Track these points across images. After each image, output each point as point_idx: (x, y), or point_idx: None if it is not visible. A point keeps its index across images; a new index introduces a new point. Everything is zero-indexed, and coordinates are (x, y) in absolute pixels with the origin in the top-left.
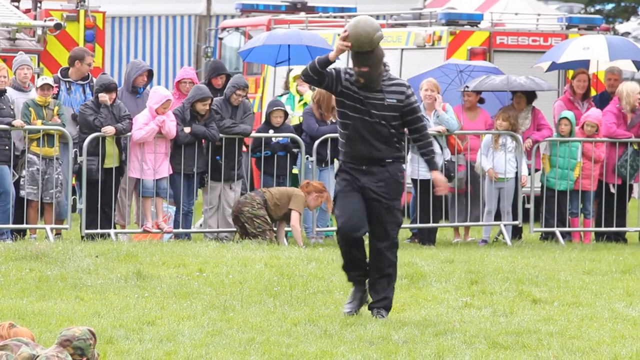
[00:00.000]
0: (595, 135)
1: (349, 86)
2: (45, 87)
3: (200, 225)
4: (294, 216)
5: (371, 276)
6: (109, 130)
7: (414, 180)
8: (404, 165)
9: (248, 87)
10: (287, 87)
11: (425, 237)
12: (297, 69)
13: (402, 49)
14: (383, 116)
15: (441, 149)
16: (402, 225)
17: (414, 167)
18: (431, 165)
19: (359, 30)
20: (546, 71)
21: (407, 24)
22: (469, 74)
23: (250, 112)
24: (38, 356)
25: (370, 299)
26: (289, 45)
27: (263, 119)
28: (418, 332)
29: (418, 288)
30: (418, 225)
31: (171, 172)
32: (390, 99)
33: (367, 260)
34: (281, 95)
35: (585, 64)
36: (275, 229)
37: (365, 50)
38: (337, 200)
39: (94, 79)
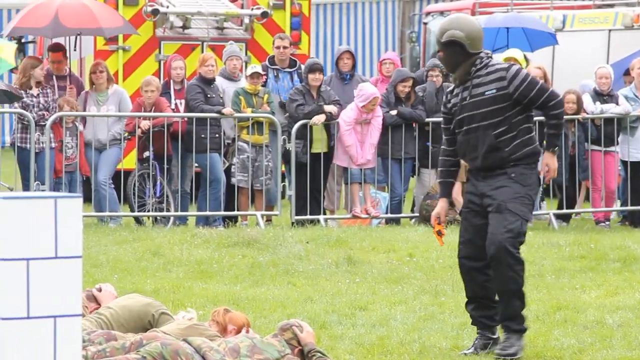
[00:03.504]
0: None
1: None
2: (254, 76)
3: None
4: (455, 187)
5: None
6: (318, 119)
7: (624, 162)
8: (535, 172)
9: (442, 67)
10: None
11: (637, 220)
12: (509, 51)
13: (610, 30)
14: (481, 114)
15: None
16: (613, 208)
17: (623, 149)
18: (550, 141)
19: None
20: None
21: (615, 4)
22: None
23: None
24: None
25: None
26: (507, 29)
27: None
28: (633, 316)
29: (631, 271)
30: (629, 207)
31: (372, 159)
32: (488, 91)
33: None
34: None
35: None
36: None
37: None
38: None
39: (302, 66)
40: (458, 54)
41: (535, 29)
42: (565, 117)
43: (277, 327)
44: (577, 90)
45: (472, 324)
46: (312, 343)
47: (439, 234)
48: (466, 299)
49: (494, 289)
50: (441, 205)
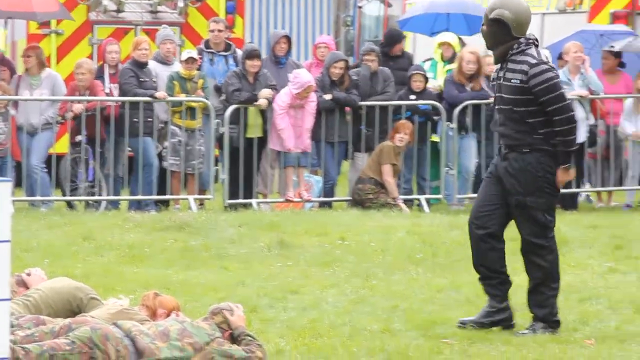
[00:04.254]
0: None
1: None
2: (189, 61)
3: None
4: (385, 169)
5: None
6: (263, 100)
7: None
8: (555, 159)
9: (376, 51)
10: None
11: (568, 202)
12: (443, 36)
13: (544, 14)
14: (508, 99)
15: (586, 114)
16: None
17: None
18: (560, 158)
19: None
20: None
21: None
22: (610, 37)
23: (391, 80)
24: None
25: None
26: (448, 14)
27: None
28: (562, 298)
29: (562, 254)
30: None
31: (307, 143)
32: (514, 79)
33: (502, 269)
34: (424, 62)
35: None
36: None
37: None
38: None
39: (237, 50)
40: (501, 33)
41: (479, 16)
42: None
43: (208, 310)
44: None
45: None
46: (243, 327)
47: None
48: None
49: (496, 260)
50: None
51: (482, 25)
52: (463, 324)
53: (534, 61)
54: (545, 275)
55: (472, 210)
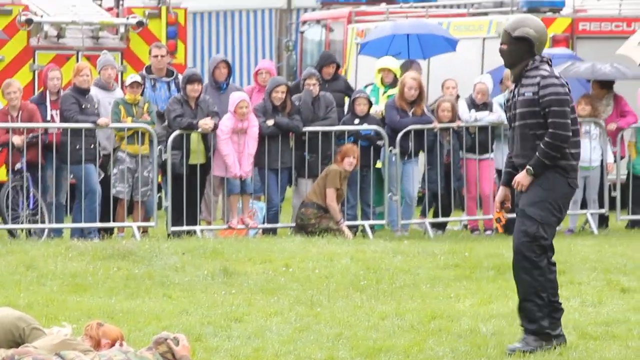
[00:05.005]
0: None
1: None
2: (134, 85)
3: None
4: (329, 194)
5: None
6: (207, 126)
7: (499, 171)
8: (565, 178)
9: (317, 75)
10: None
11: (511, 227)
12: (383, 61)
13: (484, 38)
14: (521, 114)
15: None
16: (489, 216)
17: (497, 157)
18: (531, 164)
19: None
20: None
21: (489, 12)
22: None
23: (333, 106)
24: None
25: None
26: (407, 36)
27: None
28: (506, 324)
29: (505, 279)
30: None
31: (249, 168)
32: (527, 92)
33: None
34: (365, 87)
35: None
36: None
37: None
38: None
39: (179, 76)
40: (524, 51)
41: (434, 35)
42: (440, 125)
43: (152, 340)
44: (452, 98)
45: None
46: (187, 356)
47: (498, 221)
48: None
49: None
50: (500, 192)
51: (502, 44)
52: (512, 351)
53: (546, 74)
54: (529, 289)
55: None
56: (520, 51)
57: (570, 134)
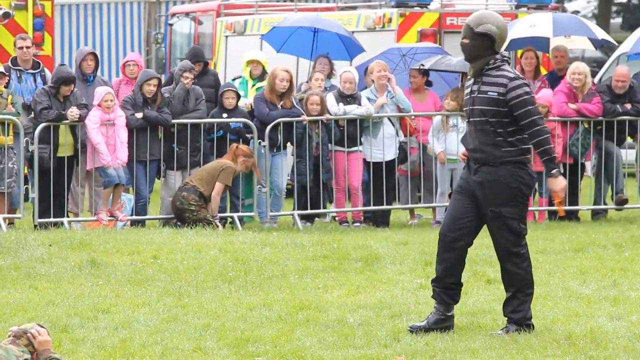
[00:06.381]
0: (547, 116)
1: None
2: None
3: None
4: (217, 187)
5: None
6: (74, 114)
7: (367, 163)
8: (525, 170)
9: (194, 69)
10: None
11: (379, 219)
12: (251, 53)
13: (353, 32)
14: (481, 111)
15: (396, 131)
16: (357, 207)
17: (366, 150)
18: (547, 166)
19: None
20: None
21: (357, 7)
22: (412, 57)
23: (202, 99)
24: None
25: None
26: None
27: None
28: (373, 315)
29: (373, 270)
30: (372, 207)
31: (124, 155)
32: (491, 91)
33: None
34: (234, 80)
35: (544, 44)
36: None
37: (463, 35)
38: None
39: (45, 69)
40: (485, 47)
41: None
42: (309, 118)
43: (9, 332)
44: (320, 92)
45: (432, 296)
46: (48, 350)
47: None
48: (435, 276)
49: (462, 271)
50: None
51: (464, 38)
52: (412, 330)
53: (512, 75)
54: (521, 282)
55: (444, 223)
56: (482, 47)
57: (545, 125)
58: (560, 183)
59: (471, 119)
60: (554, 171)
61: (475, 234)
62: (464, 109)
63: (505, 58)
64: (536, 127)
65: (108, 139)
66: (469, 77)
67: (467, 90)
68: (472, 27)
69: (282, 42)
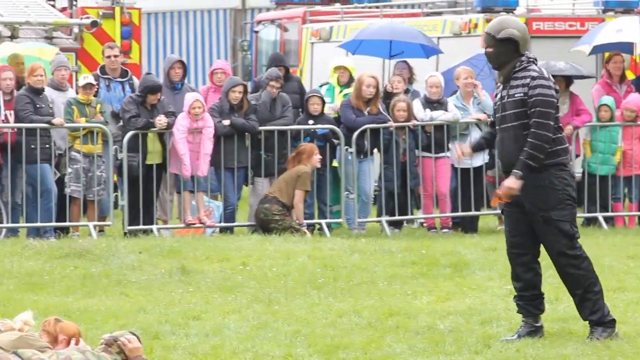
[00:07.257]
0: (635, 120)
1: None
2: (87, 86)
3: None
4: (298, 194)
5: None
6: (162, 122)
7: (454, 168)
8: (567, 171)
9: (281, 78)
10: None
11: (468, 225)
12: (338, 60)
13: (439, 38)
14: (514, 115)
15: None
16: (446, 214)
17: (453, 155)
18: (518, 165)
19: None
20: (589, 55)
21: (443, 12)
22: None
23: (289, 105)
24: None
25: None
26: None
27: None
28: (463, 321)
29: (462, 277)
30: (460, 213)
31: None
32: (517, 93)
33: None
34: (321, 86)
35: (629, 47)
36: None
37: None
38: None
39: (133, 77)
40: (510, 51)
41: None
42: (396, 124)
43: (102, 340)
44: (408, 97)
45: (517, 311)
46: (140, 356)
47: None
48: (515, 293)
49: (539, 280)
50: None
51: (487, 47)
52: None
53: (536, 74)
54: (587, 281)
55: (506, 240)
56: (506, 52)
57: (552, 135)
58: (513, 183)
59: (502, 126)
60: (517, 171)
61: (538, 243)
62: (496, 116)
63: (531, 58)
64: (540, 130)
65: (195, 146)
66: (497, 84)
67: (497, 98)
68: (494, 35)
69: (357, 46)
